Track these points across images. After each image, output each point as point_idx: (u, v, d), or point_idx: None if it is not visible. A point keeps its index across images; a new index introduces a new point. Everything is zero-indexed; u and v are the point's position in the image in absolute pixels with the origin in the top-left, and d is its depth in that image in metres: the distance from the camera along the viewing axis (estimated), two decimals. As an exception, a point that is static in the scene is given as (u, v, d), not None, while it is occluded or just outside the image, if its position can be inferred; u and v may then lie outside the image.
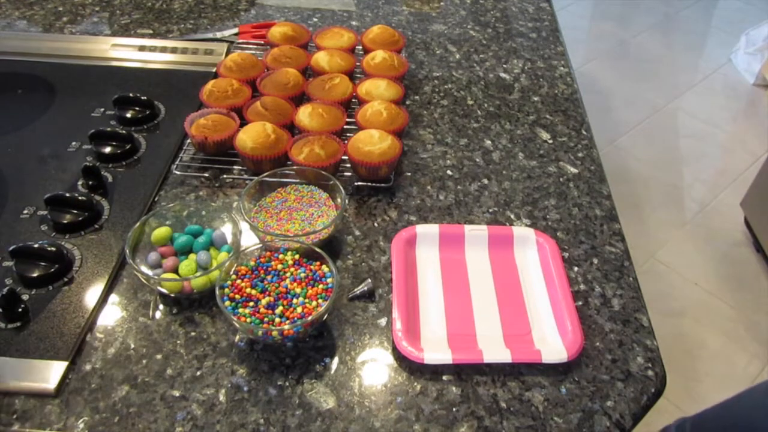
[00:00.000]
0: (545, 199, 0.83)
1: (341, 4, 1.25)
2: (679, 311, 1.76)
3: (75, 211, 0.75)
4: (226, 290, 0.64)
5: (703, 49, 2.96)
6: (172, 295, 0.67)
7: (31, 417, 0.57)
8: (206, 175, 0.84)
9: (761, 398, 1.05)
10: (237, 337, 0.65)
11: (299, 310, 0.62)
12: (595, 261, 0.76)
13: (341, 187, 0.75)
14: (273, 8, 1.22)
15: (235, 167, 0.85)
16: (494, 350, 0.63)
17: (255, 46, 1.10)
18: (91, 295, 0.67)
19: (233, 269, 0.66)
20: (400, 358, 0.63)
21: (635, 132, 2.42)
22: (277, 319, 0.61)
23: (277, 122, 0.84)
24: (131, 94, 0.92)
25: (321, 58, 0.96)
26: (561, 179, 0.87)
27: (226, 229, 0.72)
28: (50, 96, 0.97)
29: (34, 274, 0.67)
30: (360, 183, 0.83)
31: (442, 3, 1.28)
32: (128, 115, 0.91)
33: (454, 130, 0.94)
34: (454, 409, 0.60)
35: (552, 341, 0.65)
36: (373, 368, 0.63)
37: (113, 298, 0.68)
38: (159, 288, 0.67)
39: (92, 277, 0.69)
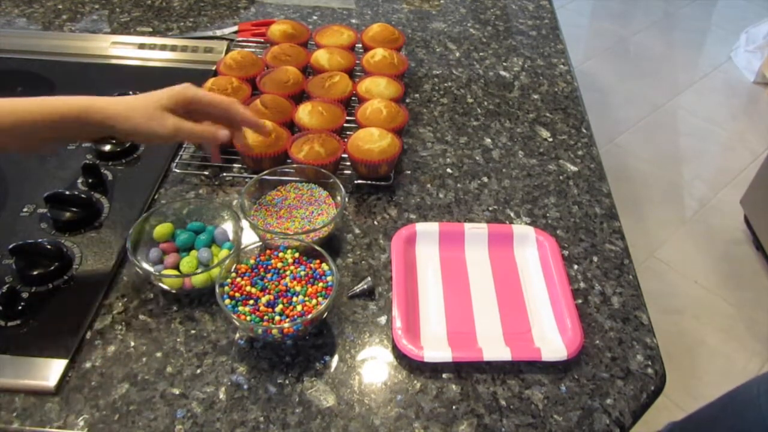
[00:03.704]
0: (545, 197, 0.83)
1: (341, 2, 1.25)
2: (678, 309, 1.76)
3: (75, 209, 0.75)
4: (226, 288, 0.64)
5: (703, 47, 2.96)
6: (173, 291, 0.67)
7: (31, 415, 0.57)
8: (206, 173, 0.83)
9: (753, 396, 1.02)
10: (237, 335, 0.65)
11: (299, 308, 0.62)
12: (595, 259, 0.76)
13: (341, 185, 0.75)
14: (273, 6, 1.22)
15: (234, 165, 0.85)
16: (494, 348, 0.63)
17: (255, 44, 1.10)
18: (91, 293, 0.67)
19: (233, 267, 0.66)
20: (400, 356, 0.63)
21: (635, 130, 2.41)
22: (277, 317, 0.61)
23: (277, 120, 0.84)
24: (131, 92, 0.92)
25: (321, 56, 0.96)
26: (561, 177, 0.87)
27: (227, 227, 0.72)
28: (50, 94, 0.96)
29: (34, 272, 0.67)
30: (360, 181, 0.83)
31: (441, 1, 1.28)
32: (128, 113, 0.90)
33: (454, 128, 0.94)
34: (453, 407, 0.60)
35: (552, 339, 0.65)
36: (373, 366, 0.63)
37: (113, 296, 0.68)
38: (160, 284, 0.67)
39: (92, 275, 0.69)
